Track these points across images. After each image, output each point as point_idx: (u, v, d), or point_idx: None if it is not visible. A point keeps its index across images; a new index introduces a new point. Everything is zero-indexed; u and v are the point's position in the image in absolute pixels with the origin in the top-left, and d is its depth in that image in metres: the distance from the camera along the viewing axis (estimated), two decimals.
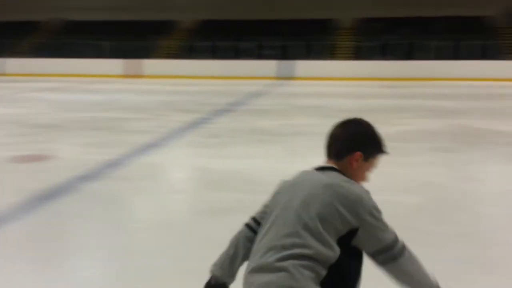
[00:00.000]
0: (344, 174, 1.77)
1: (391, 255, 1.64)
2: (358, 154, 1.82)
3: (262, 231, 1.69)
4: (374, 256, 1.66)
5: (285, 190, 1.77)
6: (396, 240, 1.69)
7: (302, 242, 1.53)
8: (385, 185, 5.55)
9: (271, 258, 1.54)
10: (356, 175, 1.84)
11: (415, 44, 23.62)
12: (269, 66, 24.37)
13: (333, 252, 1.55)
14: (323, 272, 1.53)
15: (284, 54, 25.42)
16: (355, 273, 1.66)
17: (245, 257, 1.78)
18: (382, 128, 8.56)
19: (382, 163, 6.46)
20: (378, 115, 10.98)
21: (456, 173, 5.99)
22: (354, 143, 1.83)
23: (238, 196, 4.94)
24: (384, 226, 1.67)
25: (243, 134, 8.83)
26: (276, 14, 27.78)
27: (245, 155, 7.00)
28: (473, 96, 15.54)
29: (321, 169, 1.80)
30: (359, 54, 25.09)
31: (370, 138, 1.91)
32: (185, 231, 4.08)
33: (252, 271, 1.58)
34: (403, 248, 1.69)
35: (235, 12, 28.38)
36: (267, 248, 1.58)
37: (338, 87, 19.56)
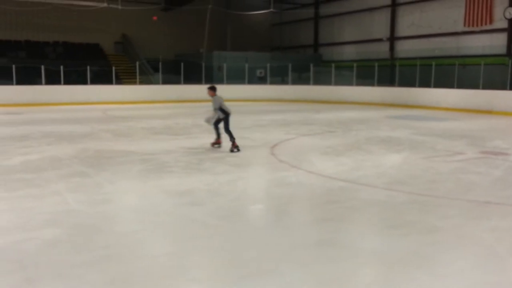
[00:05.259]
0: None
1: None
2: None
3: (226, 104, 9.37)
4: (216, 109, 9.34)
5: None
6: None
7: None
8: (19, 222, 4.98)
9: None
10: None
11: (31, 68, 22.59)
12: None
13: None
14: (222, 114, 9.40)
15: None
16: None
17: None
18: (3, 161, 7.74)
19: (8, 199, 5.77)
20: None
21: (91, 197, 5.97)
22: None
23: None
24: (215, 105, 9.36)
25: None
26: None
27: None
28: (97, 119, 16.11)
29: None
30: None
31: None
32: None
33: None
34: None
35: None
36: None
37: None
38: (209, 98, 9.57)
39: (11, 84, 21.82)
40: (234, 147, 9.29)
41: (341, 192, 6.35)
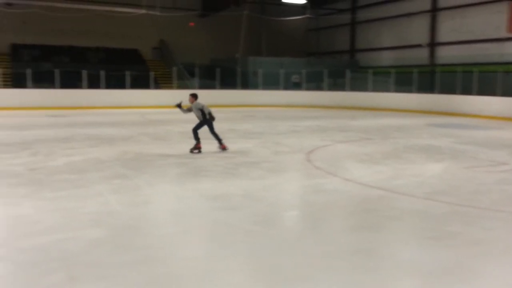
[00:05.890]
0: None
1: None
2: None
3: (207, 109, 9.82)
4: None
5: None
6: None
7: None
8: (63, 222, 5.15)
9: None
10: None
11: (72, 72, 23.38)
12: None
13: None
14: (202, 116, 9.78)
15: None
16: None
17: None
18: (48, 162, 8.00)
19: (53, 199, 5.93)
20: (42, 146, 10.23)
21: (132, 199, 6.11)
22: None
23: None
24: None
25: None
26: None
27: None
28: (136, 123, 16.47)
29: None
30: (15, 81, 23.14)
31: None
32: None
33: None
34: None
35: None
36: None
37: None
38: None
39: (55, 87, 22.66)
40: (195, 149, 9.75)
41: (379, 200, 6.25)
